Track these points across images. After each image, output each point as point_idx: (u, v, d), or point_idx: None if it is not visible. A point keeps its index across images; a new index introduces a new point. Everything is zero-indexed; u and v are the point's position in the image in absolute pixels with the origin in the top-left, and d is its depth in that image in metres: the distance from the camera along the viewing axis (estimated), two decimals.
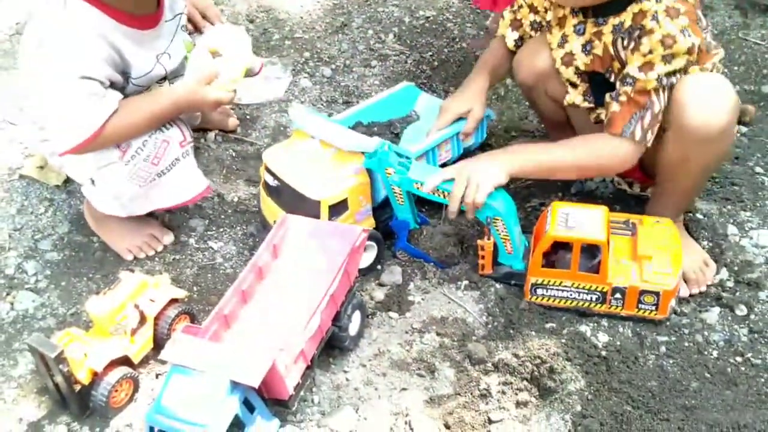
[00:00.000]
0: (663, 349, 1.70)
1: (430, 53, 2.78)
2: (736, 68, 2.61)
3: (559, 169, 1.80)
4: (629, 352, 1.68)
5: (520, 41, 2.01)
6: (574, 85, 1.88)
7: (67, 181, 2.12)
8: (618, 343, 1.71)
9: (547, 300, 1.77)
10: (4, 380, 1.65)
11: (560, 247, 1.72)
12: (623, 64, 1.73)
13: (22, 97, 2.11)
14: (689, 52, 1.63)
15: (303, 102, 2.52)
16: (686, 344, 1.71)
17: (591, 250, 1.70)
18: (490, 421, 1.54)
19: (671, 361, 1.67)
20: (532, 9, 1.95)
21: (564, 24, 1.84)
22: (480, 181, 1.70)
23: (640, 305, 1.72)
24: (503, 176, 1.72)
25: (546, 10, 1.91)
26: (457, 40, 2.85)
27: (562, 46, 1.85)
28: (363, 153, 1.80)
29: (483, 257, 1.82)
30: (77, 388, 1.53)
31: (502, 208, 1.72)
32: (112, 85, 1.73)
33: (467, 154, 2.07)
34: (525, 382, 1.60)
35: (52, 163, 1.87)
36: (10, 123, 2.35)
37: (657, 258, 1.71)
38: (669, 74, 1.65)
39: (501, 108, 2.52)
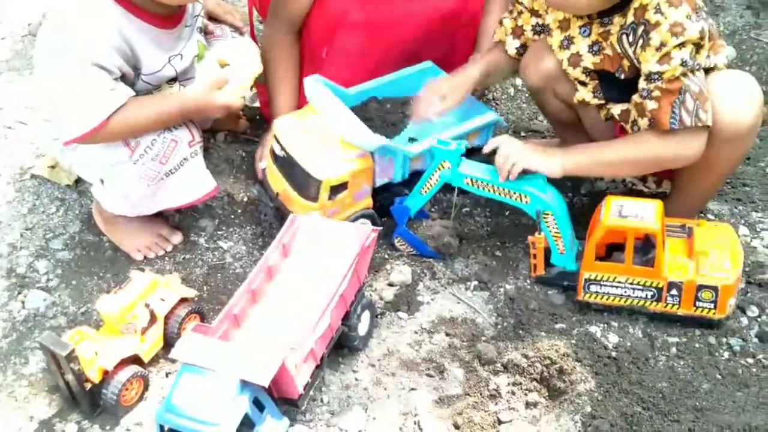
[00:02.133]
0: (674, 350, 1.69)
1: None
2: (748, 68, 2.59)
3: (616, 165, 1.76)
4: (639, 353, 1.68)
5: (522, 49, 1.99)
6: (583, 84, 1.87)
7: (78, 180, 2.13)
8: (628, 343, 1.70)
9: (600, 298, 1.74)
10: (15, 378, 1.66)
11: (614, 249, 1.70)
12: (632, 61, 1.71)
13: (34, 95, 2.11)
14: (701, 37, 1.60)
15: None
16: (697, 345, 1.70)
17: (646, 248, 1.67)
18: (500, 422, 1.54)
19: (682, 363, 1.67)
20: (534, 13, 1.93)
21: (566, 26, 1.83)
22: (525, 160, 1.73)
23: (697, 303, 1.68)
24: (557, 169, 1.73)
25: (546, 12, 1.90)
26: None
27: (567, 47, 1.84)
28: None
29: (535, 256, 1.80)
30: (88, 386, 1.54)
31: (552, 201, 1.72)
32: (123, 78, 1.73)
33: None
34: (534, 383, 1.60)
35: (62, 163, 1.88)
36: (21, 123, 2.36)
37: (715, 254, 1.69)
38: (691, 56, 1.61)
39: (511, 108, 2.51)
